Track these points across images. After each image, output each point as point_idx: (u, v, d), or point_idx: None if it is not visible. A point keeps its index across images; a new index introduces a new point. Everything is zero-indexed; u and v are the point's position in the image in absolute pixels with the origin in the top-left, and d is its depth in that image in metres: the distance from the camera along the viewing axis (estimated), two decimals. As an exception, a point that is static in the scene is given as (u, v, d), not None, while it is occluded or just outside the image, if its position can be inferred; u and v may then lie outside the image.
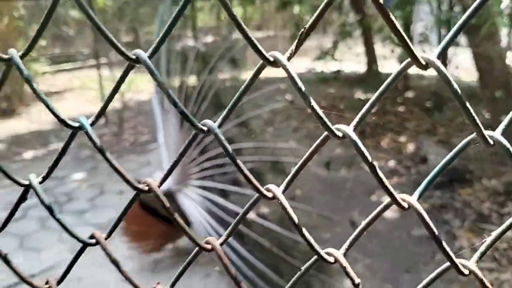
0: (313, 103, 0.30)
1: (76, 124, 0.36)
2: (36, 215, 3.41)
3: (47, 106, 0.34)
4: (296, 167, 0.33)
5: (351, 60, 6.65)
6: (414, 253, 2.83)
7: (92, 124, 0.37)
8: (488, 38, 3.50)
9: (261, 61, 0.32)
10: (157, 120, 2.89)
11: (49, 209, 0.37)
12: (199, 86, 2.79)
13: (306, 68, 6.04)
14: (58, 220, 0.36)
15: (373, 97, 0.31)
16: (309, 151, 0.33)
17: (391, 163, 4.21)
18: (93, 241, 0.38)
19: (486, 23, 3.04)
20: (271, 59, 0.32)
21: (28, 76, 0.33)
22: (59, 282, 0.40)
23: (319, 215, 3.09)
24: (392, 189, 0.30)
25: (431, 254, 2.80)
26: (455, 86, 0.28)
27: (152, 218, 2.60)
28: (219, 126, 0.33)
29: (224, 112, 0.34)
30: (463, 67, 4.96)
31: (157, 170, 2.96)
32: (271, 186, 0.34)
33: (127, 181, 0.35)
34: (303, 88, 0.31)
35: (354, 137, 0.30)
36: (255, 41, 0.30)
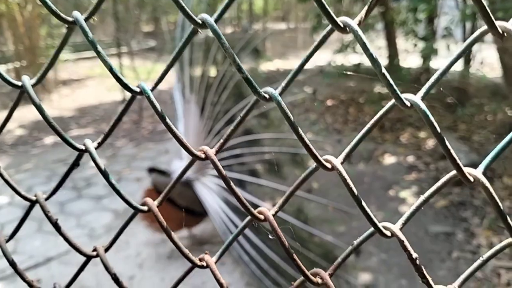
0: (384, 70, 0.30)
1: (138, 89, 0.36)
2: (55, 200, 3.47)
3: (110, 69, 0.34)
4: (358, 136, 0.33)
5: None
6: (430, 250, 2.80)
7: (152, 90, 0.37)
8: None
9: (330, 26, 0.32)
10: (178, 109, 2.91)
11: (104, 174, 0.37)
12: (220, 76, 2.80)
13: (326, 60, 5.99)
14: (112, 185, 0.36)
15: (444, 66, 0.31)
16: (375, 118, 0.32)
17: (410, 159, 4.17)
18: (145, 208, 0.38)
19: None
20: (341, 25, 0.31)
21: (93, 39, 0.33)
22: (107, 249, 0.41)
23: (335, 208, 3.08)
24: (459, 162, 0.29)
25: (447, 251, 2.77)
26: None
27: (168, 204, 2.63)
28: (281, 94, 0.33)
29: (286, 79, 0.34)
30: (487, 63, 4.87)
31: (175, 158, 2.98)
32: (329, 157, 0.33)
33: (186, 148, 0.35)
34: (374, 54, 0.31)
35: (423, 106, 0.29)
36: (327, 7, 0.30)
